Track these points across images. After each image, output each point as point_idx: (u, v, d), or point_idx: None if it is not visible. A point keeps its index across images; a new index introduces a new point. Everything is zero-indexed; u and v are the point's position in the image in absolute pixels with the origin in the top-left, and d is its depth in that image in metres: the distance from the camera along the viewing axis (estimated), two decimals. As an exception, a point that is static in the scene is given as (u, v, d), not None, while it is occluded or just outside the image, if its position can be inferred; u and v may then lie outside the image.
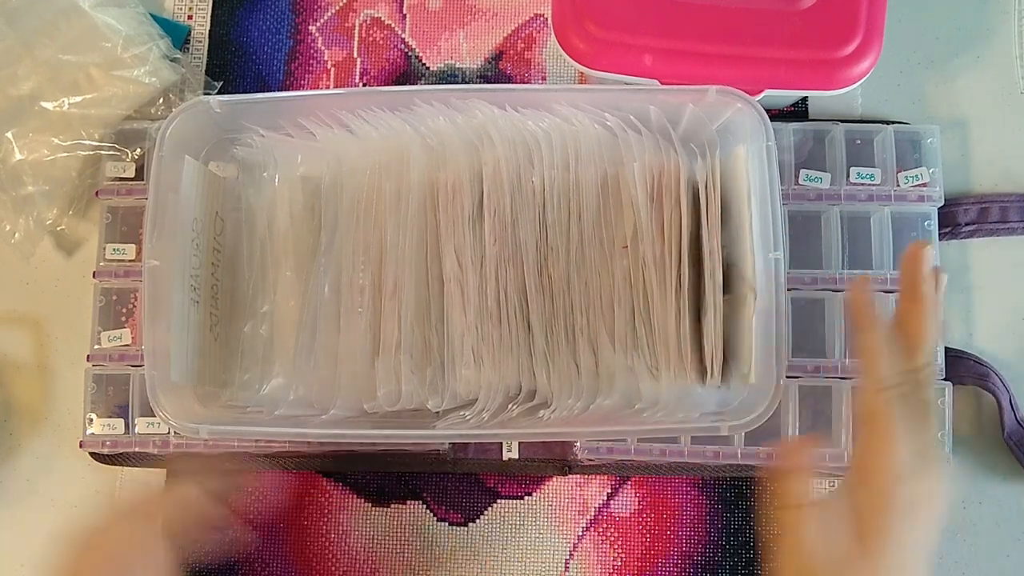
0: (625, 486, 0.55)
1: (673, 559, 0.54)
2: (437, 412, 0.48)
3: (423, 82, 0.60)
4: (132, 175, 0.57)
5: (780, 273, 0.43)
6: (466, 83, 0.60)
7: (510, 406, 0.47)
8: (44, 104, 0.56)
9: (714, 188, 0.46)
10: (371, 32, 0.61)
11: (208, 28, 0.61)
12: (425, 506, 0.56)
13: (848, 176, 0.55)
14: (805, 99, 0.58)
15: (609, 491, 0.55)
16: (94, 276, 0.56)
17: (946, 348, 0.54)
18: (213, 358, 0.49)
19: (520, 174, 0.48)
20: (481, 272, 0.47)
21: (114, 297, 0.56)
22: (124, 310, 0.56)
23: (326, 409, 0.47)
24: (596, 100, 0.48)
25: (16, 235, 0.57)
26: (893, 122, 0.57)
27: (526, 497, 0.56)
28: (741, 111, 0.45)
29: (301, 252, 0.50)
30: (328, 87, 0.60)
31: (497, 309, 0.47)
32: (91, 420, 0.54)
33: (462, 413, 0.47)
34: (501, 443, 0.54)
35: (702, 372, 0.47)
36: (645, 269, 0.47)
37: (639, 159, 0.47)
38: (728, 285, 0.47)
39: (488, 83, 0.60)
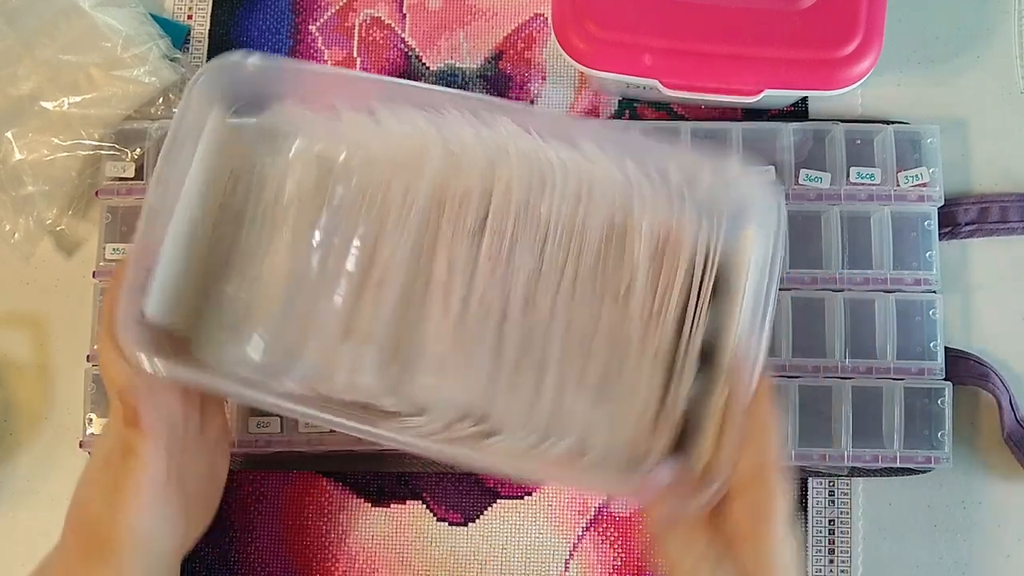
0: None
1: (673, 559, 0.54)
2: (390, 412, 0.47)
3: (423, 82, 0.60)
4: (132, 175, 0.57)
5: (758, 365, 0.42)
6: (466, 83, 0.60)
7: (460, 423, 0.46)
8: (44, 104, 0.56)
9: (712, 262, 0.45)
10: (371, 32, 0.61)
11: (208, 28, 0.61)
12: (425, 506, 0.56)
13: (848, 176, 0.55)
14: (805, 99, 0.58)
15: (609, 491, 0.55)
16: (94, 276, 0.56)
17: (946, 348, 0.54)
18: (192, 309, 0.48)
19: (530, 199, 0.47)
20: (469, 286, 0.47)
21: (114, 297, 0.56)
22: (124, 310, 0.56)
23: (283, 374, 0.46)
24: (621, 143, 0.46)
25: (16, 235, 0.57)
26: (893, 122, 0.57)
27: (526, 497, 0.56)
28: (759, 190, 0.44)
29: (300, 226, 0.49)
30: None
31: (474, 326, 0.46)
32: (91, 420, 0.54)
33: (412, 419, 0.46)
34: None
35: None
36: (631, 324, 0.46)
37: (650, 214, 0.46)
38: (710, 361, 0.46)
39: (488, 82, 0.60)
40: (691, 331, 0.45)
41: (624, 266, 0.47)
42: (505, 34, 0.61)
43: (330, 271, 0.48)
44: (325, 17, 0.62)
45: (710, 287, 0.45)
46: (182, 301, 0.47)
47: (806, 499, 0.55)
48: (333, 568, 0.55)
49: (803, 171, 0.55)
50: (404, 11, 0.61)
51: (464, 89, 0.60)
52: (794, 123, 0.56)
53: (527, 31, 0.61)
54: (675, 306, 0.45)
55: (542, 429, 0.46)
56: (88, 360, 0.55)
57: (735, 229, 0.45)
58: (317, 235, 0.48)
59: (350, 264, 0.48)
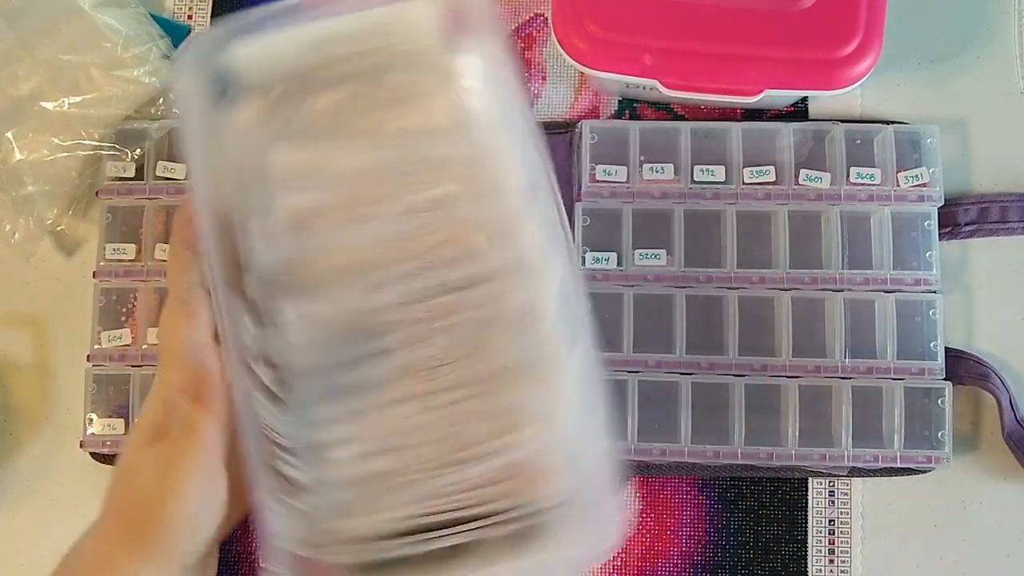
0: (625, 486, 0.55)
1: (673, 559, 0.54)
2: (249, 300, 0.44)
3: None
4: (132, 175, 0.57)
5: None
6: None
7: (268, 369, 0.42)
8: (44, 104, 0.56)
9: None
10: (371, 32, 0.61)
11: (208, 28, 0.61)
12: (425, 506, 0.56)
13: (848, 176, 0.55)
14: (805, 99, 0.58)
15: (609, 491, 0.55)
16: (94, 276, 0.56)
17: (946, 348, 0.54)
18: (258, 93, 0.46)
19: (492, 325, 0.44)
20: (399, 292, 0.43)
21: (114, 297, 0.56)
22: (124, 310, 0.56)
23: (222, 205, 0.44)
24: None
25: (16, 235, 0.57)
26: (893, 122, 0.57)
27: (526, 497, 0.55)
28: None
29: (384, 131, 0.46)
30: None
31: (361, 330, 0.43)
32: (91, 420, 0.54)
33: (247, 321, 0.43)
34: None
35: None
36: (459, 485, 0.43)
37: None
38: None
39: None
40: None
41: (474, 441, 0.43)
42: (505, 34, 0.61)
43: (361, 172, 0.45)
44: (325, 17, 0.62)
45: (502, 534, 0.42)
46: (256, 79, 0.45)
47: (806, 499, 0.55)
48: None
49: (803, 171, 0.55)
50: (404, 11, 0.61)
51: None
52: (794, 123, 0.56)
53: (527, 31, 0.61)
54: (468, 504, 0.42)
55: (306, 439, 0.43)
56: (88, 360, 0.55)
57: None
58: (385, 153, 0.45)
59: (383, 185, 0.44)
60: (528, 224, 0.45)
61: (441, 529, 0.42)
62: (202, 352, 0.41)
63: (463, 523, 0.42)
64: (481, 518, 0.42)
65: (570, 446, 0.43)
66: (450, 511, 0.42)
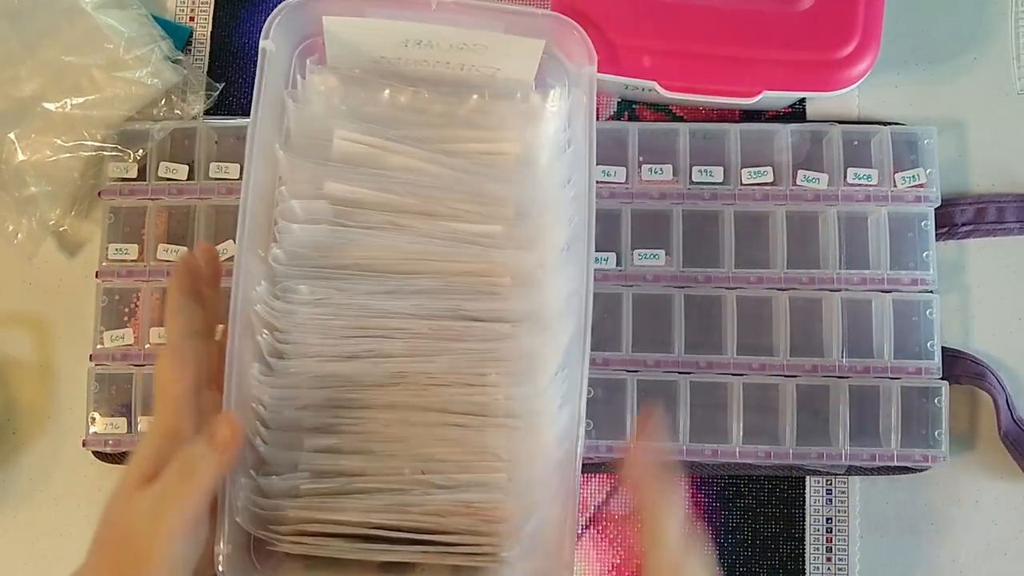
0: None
1: (672, 557, 0.55)
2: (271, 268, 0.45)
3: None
4: (134, 175, 0.57)
5: None
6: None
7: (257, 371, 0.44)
8: (46, 105, 0.56)
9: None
10: (372, 33, 0.61)
11: (210, 30, 0.61)
12: (425, 505, 0.56)
13: (846, 177, 0.55)
14: (803, 100, 0.58)
15: (608, 489, 0.56)
16: (97, 276, 0.56)
17: (943, 348, 0.54)
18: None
19: (460, 368, 0.45)
20: (408, 335, 0.45)
21: (116, 297, 0.56)
22: (126, 310, 0.56)
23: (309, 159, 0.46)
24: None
25: (19, 235, 0.57)
26: (890, 123, 0.57)
27: (526, 496, 0.56)
28: None
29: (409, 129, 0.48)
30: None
31: (371, 343, 0.45)
32: (94, 419, 0.55)
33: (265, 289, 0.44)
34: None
35: None
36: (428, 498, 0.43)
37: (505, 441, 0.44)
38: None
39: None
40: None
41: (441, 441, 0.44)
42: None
43: (413, 183, 0.46)
44: (326, 18, 0.62)
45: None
46: (339, 55, 0.47)
47: (803, 497, 0.55)
48: (334, 566, 0.55)
49: (801, 172, 0.55)
50: (404, 12, 0.61)
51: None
52: (792, 124, 0.56)
53: (527, 32, 0.61)
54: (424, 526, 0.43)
55: (286, 419, 0.44)
56: (91, 359, 0.55)
57: None
58: (444, 172, 0.46)
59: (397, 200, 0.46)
60: (554, 281, 0.45)
61: (393, 543, 0.42)
62: (190, 400, 0.41)
63: (415, 543, 0.42)
64: (433, 544, 0.42)
65: (533, 505, 0.43)
66: (405, 529, 0.42)
